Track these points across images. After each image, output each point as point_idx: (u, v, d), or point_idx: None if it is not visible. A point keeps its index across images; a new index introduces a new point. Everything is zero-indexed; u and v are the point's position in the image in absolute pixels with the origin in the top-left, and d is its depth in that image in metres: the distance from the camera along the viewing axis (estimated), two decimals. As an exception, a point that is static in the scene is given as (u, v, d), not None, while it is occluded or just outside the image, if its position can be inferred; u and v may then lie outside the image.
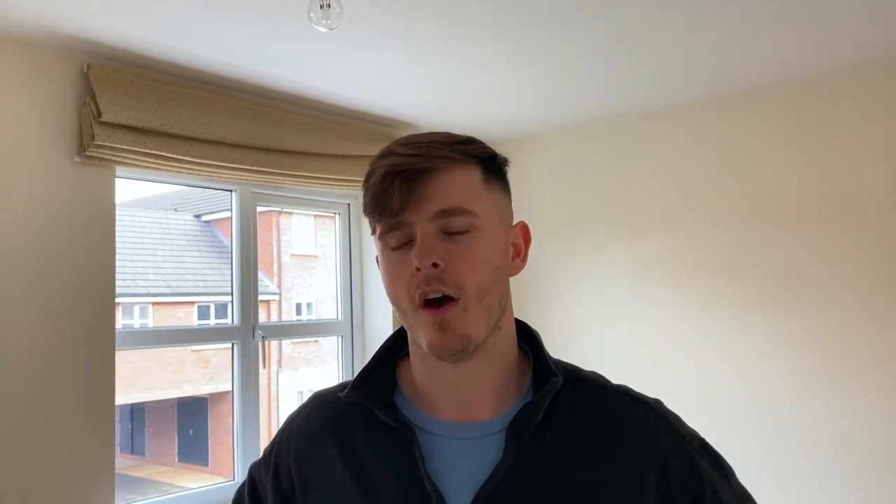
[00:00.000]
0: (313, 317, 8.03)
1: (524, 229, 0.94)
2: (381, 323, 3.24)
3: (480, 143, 0.90)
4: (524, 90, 2.80)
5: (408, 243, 0.84)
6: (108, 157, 2.25)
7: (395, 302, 0.87)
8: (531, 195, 3.35)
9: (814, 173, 2.73)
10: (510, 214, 0.93)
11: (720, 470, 0.92)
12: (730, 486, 0.92)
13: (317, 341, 7.66)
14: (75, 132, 2.23)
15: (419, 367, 0.92)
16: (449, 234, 0.84)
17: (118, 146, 2.24)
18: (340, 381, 3.18)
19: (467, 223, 0.84)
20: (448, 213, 0.83)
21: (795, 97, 2.77)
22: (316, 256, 8.06)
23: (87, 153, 2.21)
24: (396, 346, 0.98)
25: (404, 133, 3.23)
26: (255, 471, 1.05)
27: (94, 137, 2.19)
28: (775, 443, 2.74)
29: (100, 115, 2.20)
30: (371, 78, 2.59)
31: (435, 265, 0.82)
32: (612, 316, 3.19)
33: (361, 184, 0.90)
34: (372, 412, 0.91)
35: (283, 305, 7.81)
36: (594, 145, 3.32)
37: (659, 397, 0.95)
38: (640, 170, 3.17)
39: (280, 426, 1.03)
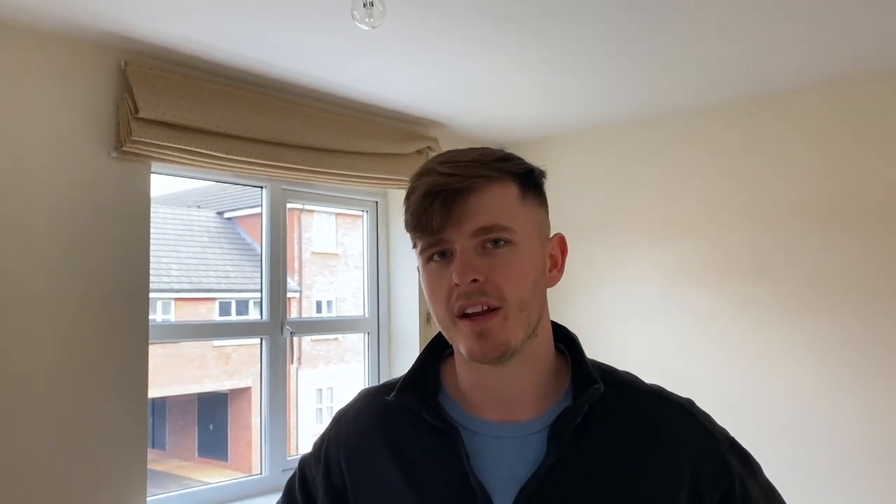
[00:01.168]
0: (333, 314, 8.05)
1: (561, 241, 0.97)
2: (407, 320, 3.25)
3: (518, 158, 0.94)
4: (553, 90, 2.80)
5: (448, 258, 0.88)
6: (144, 152, 2.28)
7: (434, 313, 0.91)
8: (557, 195, 3.32)
9: (848, 175, 2.71)
10: (547, 227, 0.97)
11: (748, 467, 0.95)
12: (757, 482, 0.95)
13: (336, 339, 7.68)
14: (112, 128, 2.26)
15: (462, 369, 0.96)
16: (487, 249, 0.87)
17: (154, 142, 2.27)
18: (367, 378, 3.22)
19: (505, 239, 0.88)
20: (486, 230, 0.87)
21: (830, 98, 2.76)
22: (337, 255, 8.08)
23: (124, 148, 2.24)
24: (439, 347, 1.02)
25: (433, 132, 3.26)
26: (305, 465, 1.09)
27: (131, 133, 2.22)
28: (806, 446, 2.72)
29: (137, 111, 2.23)
30: (402, 77, 2.61)
31: (474, 280, 0.85)
32: (639, 317, 3.19)
33: (403, 201, 0.93)
34: (418, 413, 0.95)
35: (304, 303, 7.83)
36: (623, 145, 3.31)
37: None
38: (668, 170, 3.16)
39: (330, 422, 1.07)
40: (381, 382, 1.07)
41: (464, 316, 0.87)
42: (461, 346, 0.89)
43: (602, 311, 3.25)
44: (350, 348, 7.63)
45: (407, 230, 0.92)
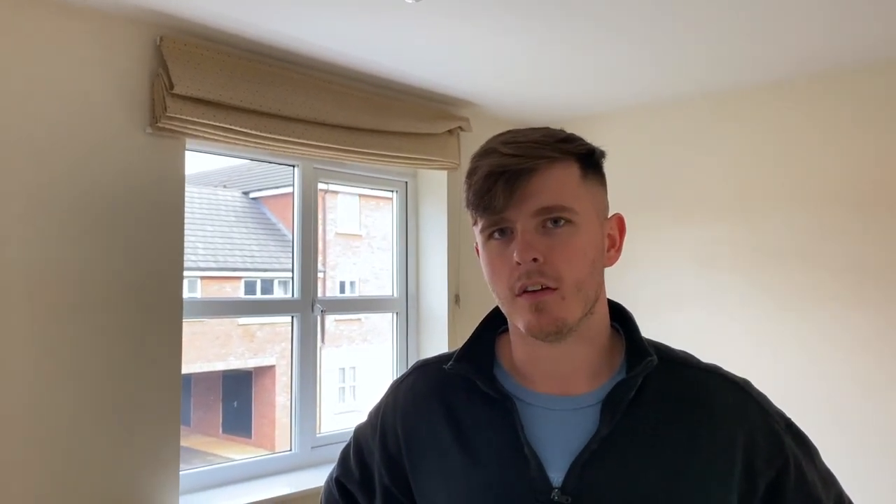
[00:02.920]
0: (356, 295, 8.10)
1: (620, 221, 0.98)
2: (436, 301, 3.24)
3: (580, 139, 0.94)
4: (589, 70, 2.77)
5: (508, 237, 0.90)
6: (178, 129, 2.28)
7: (494, 290, 0.93)
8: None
9: (884, 160, 2.65)
10: (606, 207, 0.98)
11: (805, 448, 0.95)
12: (814, 465, 0.95)
13: (360, 319, 7.72)
14: (147, 104, 2.26)
15: (518, 343, 0.97)
16: (547, 229, 0.88)
17: (189, 118, 2.27)
18: (395, 357, 3.23)
19: (565, 219, 0.89)
20: (548, 210, 0.88)
21: (873, 81, 2.70)
22: (360, 236, 8.11)
23: (159, 125, 2.24)
24: (495, 322, 1.04)
25: (465, 112, 3.24)
26: (360, 433, 1.12)
27: (166, 109, 2.22)
28: (846, 435, 2.69)
29: (172, 87, 2.23)
30: (435, 55, 2.58)
31: (535, 260, 0.87)
32: (675, 302, 3.16)
33: (465, 179, 0.94)
34: (473, 383, 0.97)
35: (328, 283, 7.88)
36: (658, 127, 3.27)
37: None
38: (707, 152, 3.11)
39: (385, 392, 1.10)
40: (436, 355, 1.09)
41: (523, 293, 0.88)
42: (519, 321, 0.90)
43: (635, 293, 3.21)
44: (372, 329, 7.68)
45: (467, 208, 0.93)
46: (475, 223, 0.94)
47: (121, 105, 2.22)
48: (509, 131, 0.95)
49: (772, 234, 2.91)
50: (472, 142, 3.30)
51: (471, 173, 0.92)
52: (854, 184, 2.72)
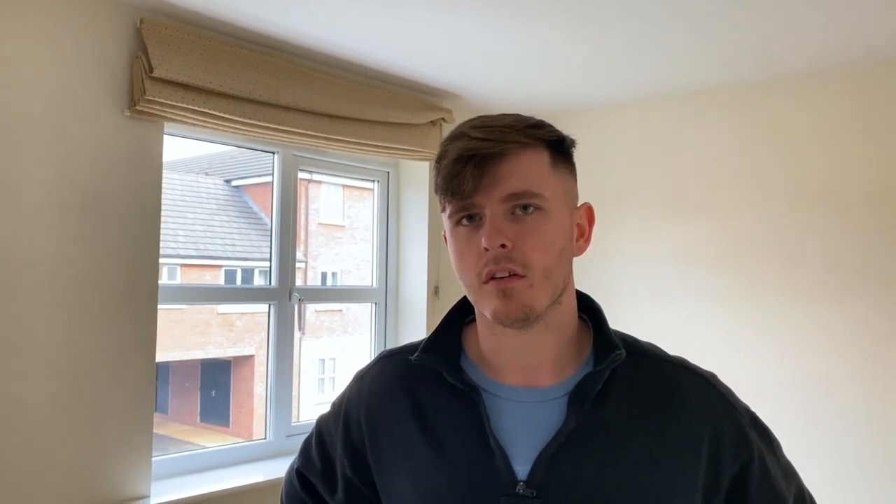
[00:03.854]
0: (337, 286, 8.06)
1: (589, 210, 0.97)
2: (415, 292, 3.24)
3: (550, 126, 0.94)
4: (574, 65, 2.77)
5: (477, 223, 0.89)
6: (157, 112, 2.26)
7: (461, 277, 0.92)
8: (570, 172, 3.32)
9: (868, 160, 2.68)
10: (576, 196, 0.97)
11: (768, 442, 0.96)
12: (777, 459, 0.96)
13: (340, 310, 7.69)
14: (126, 87, 2.24)
15: (485, 333, 0.96)
16: (517, 215, 0.87)
17: (168, 102, 2.25)
18: (372, 347, 3.22)
19: (534, 205, 0.88)
20: (517, 196, 0.87)
21: (853, 82, 2.72)
22: (343, 227, 8.07)
23: (138, 108, 2.22)
24: (462, 313, 1.03)
25: (448, 103, 3.23)
26: (322, 424, 1.11)
27: (144, 92, 2.20)
28: (818, 432, 2.72)
29: (151, 70, 2.21)
30: (419, 46, 2.57)
31: (503, 246, 0.86)
32: (649, 296, 3.18)
33: (434, 163, 0.93)
34: (440, 374, 0.96)
35: (309, 273, 7.84)
36: (639, 123, 3.28)
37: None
38: (686, 150, 3.13)
39: (348, 383, 1.09)
40: (401, 345, 1.08)
41: (490, 280, 0.87)
42: (486, 308, 0.89)
43: (612, 288, 3.23)
44: (353, 320, 7.65)
45: (437, 193, 0.92)
46: (443, 209, 0.93)
47: (99, 87, 2.19)
48: (479, 117, 0.93)
49: (751, 232, 2.93)
50: (455, 133, 3.29)
51: (440, 157, 0.91)
52: (833, 183, 2.75)
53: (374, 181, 3.32)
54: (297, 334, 2.93)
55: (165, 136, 2.38)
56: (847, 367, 2.67)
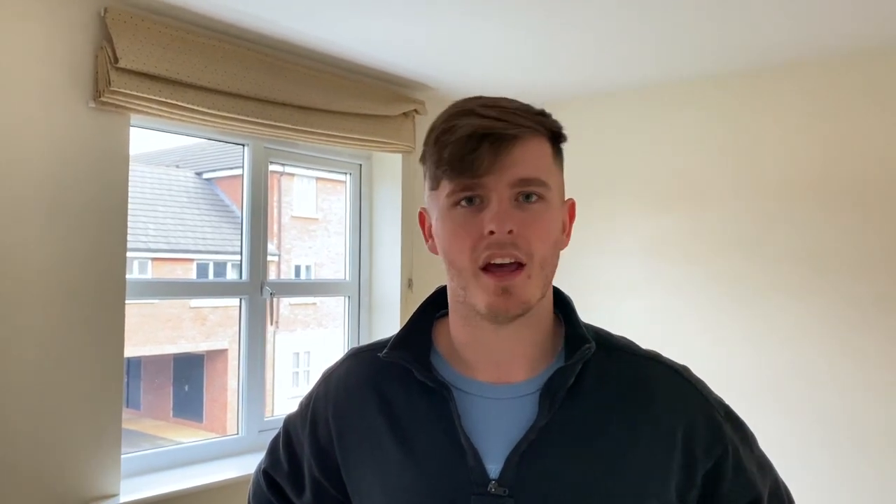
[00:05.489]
0: (311, 279, 8.02)
1: (572, 207, 0.96)
2: (388, 285, 3.22)
3: (551, 116, 0.92)
4: (545, 57, 2.76)
5: (477, 205, 0.85)
6: (123, 103, 2.22)
7: (452, 261, 0.87)
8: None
9: (839, 152, 2.71)
10: (564, 190, 0.96)
11: (743, 436, 0.95)
12: (751, 452, 0.95)
13: (314, 304, 7.66)
14: (90, 77, 2.19)
15: (459, 327, 0.93)
16: (520, 202, 0.85)
17: (134, 93, 2.21)
18: (346, 341, 3.20)
19: (539, 194, 0.86)
20: (526, 181, 0.85)
21: (821, 74, 2.75)
22: (317, 220, 8.02)
23: (103, 99, 2.17)
24: (433, 307, 1.00)
25: (421, 95, 3.20)
26: (290, 424, 1.08)
27: (109, 83, 2.16)
28: (791, 422, 2.75)
29: (116, 60, 2.17)
30: (392, 37, 2.55)
31: (510, 231, 0.83)
32: (626, 291, 3.19)
33: (430, 136, 0.89)
34: (409, 371, 0.93)
35: (283, 267, 7.79)
36: (612, 115, 3.29)
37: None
38: (660, 141, 3.14)
39: (316, 381, 1.06)
40: (370, 342, 1.05)
41: (486, 269, 0.84)
42: (479, 300, 0.86)
43: (586, 281, 3.24)
44: (328, 313, 7.62)
45: (436, 169, 0.88)
46: (436, 187, 0.89)
47: (62, 78, 2.14)
48: (479, 97, 0.90)
49: (722, 224, 2.95)
50: (428, 126, 3.27)
51: (445, 132, 0.86)
52: (802, 175, 2.77)
53: (346, 174, 3.30)
54: (270, 328, 2.90)
55: (132, 129, 2.34)
56: (820, 357, 2.71)
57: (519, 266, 0.84)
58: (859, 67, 2.66)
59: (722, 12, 2.31)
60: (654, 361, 0.95)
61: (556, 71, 2.96)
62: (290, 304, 7.62)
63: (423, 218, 0.97)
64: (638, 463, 0.86)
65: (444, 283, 0.99)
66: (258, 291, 2.80)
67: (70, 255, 2.15)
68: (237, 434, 2.80)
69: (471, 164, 0.83)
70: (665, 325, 3.03)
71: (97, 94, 2.18)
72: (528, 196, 0.85)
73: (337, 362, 1.05)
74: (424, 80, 3.10)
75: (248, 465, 2.59)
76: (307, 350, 7.60)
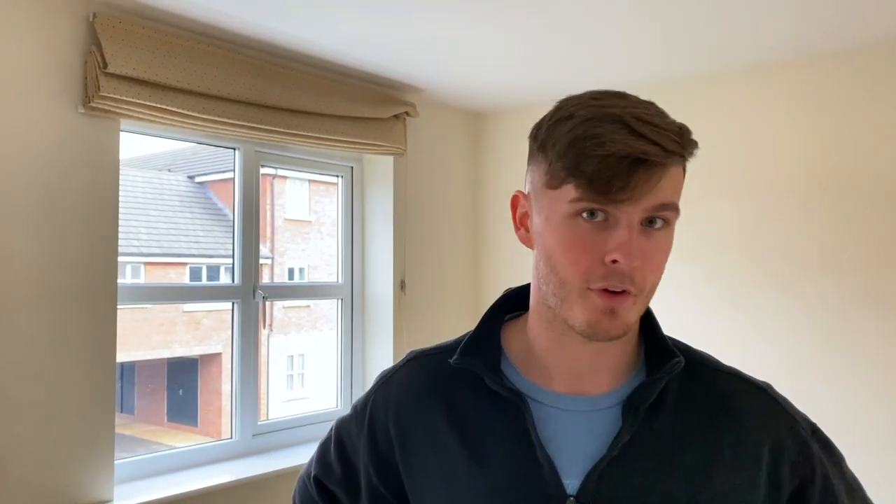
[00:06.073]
0: (305, 282, 8.01)
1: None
2: (381, 287, 3.23)
3: (691, 135, 0.84)
4: (537, 57, 2.77)
5: (601, 220, 0.79)
6: (112, 108, 2.22)
7: (557, 271, 0.81)
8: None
9: (828, 150, 2.72)
10: None
11: (831, 455, 0.91)
12: (841, 472, 0.91)
13: (308, 306, 7.65)
14: (80, 83, 2.19)
15: (542, 335, 0.89)
16: (645, 228, 0.79)
17: (124, 98, 2.20)
18: (339, 344, 3.20)
19: (668, 219, 0.80)
20: (662, 207, 0.79)
21: (806, 73, 2.76)
22: (310, 222, 8.02)
23: (92, 104, 2.17)
24: (501, 311, 0.97)
25: (412, 97, 3.21)
26: (342, 429, 1.04)
27: (99, 88, 2.15)
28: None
29: (105, 65, 2.16)
30: (382, 39, 2.55)
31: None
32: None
33: (561, 128, 0.80)
34: (478, 378, 0.89)
35: (276, 270, 7.78)
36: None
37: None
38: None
39: (373, 383, 1.02)
40: (432, 345, 1.00)
41: (598, 290, 0.79)
42: (580, 317, 0.80)
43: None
44: (322, 316, 7.61)
45: (568, 174, 0.78)
46: (556, 187, 0.80)
47: (51, 83, 2.14)
48: (623, 96, 0.82)
49: (710, 223, 2.96)
50: (419, 127, 3.28)
51: (589, 138, 0.77)
52: (796, 174, 2.78)
53: (337, 176, 3.30)
54: (264, 331, 2.89)
55: (123, 133, 2.34)
56: (804, 353, 2.72)
57: (628, 293, 0.79)
58: (843, 66, 2.67)
59: (701, 13, 2.32)
60: (736, 377, 0.92)
61: (550, 71, 2.97)
62: (284, 307, 7.60)
63: (517, 202, 0.90)
64: (723, 481, 0.83)
65: (511, 287, 0.98)
66: (251, 295, 2.80)
67: (61, 261, 2.15)
68: (231, 438, 2.79)
69: (618, 190, 0.76)
70: (666, 323, 3.04)
71: (87, 100, 2.18)
72: (653, 221, 0.79)
73: (396, 365, 1.01)
74: (415, 83, 3.10)
75: (241, 470, 2.59)
76: (301, 353, 7.59)
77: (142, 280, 6.51)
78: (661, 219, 0.79)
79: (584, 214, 0.78)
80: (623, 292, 0.79)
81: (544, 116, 0.86)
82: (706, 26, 2.44)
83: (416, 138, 3.28)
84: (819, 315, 2.71)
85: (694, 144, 0.83)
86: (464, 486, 0.86)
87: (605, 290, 0.79)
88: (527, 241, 0.88)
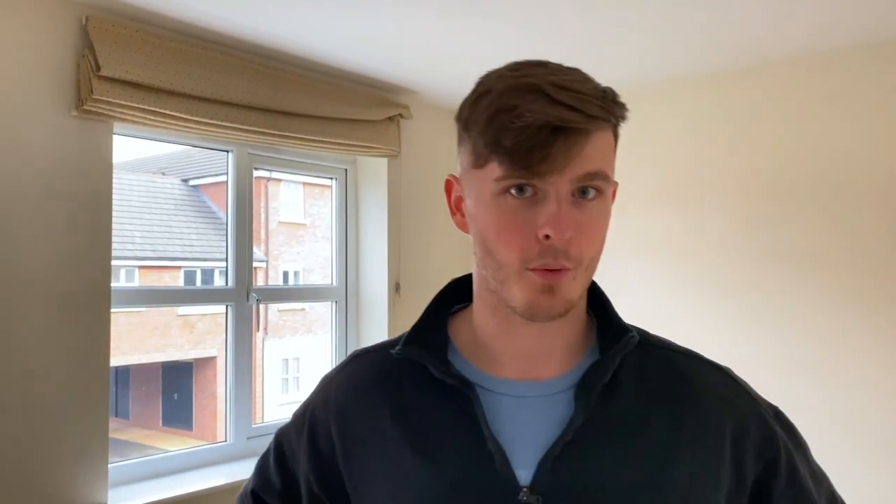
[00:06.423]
0: (299, 284, 8.00)
1: (614, 192, 0.83)
2: (376, 289, 3.23)
3: (619, 98, 0.80)
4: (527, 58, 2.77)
5: (530, 197, 0.75)
6: (105, 112, 2.21)
7: (493, 253, 0.78)
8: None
9: (818, 152, 2.73)
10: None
11: (795, 440, 0.88)
12: (805, 459, 0.88)
13: (303, 309, 7.65)
14: (73, 86, 2.19)
15: (487, 321, 0.84)
16: (577, 199, 0.75)
17: (117, 101, 2.20)
18: (334, 346, 3.20)
19: (600, 189, 0.76)
20: (591, 176, 0.75)
21: (797, 74, 2.77)
22: (304, 225, 8.01)
23: (85, 107, 2.17)
24: (446, 302, 0.92)
25: (405, 99, 3.21)
26: (282, 438, 0.99)
27: (92, 91, 2.15)
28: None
29: (98, 68, 2.16)
30: (376, 43, 2.56)
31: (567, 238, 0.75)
32: (615, 290, 3.19)
33: (480, 102, 0.77)
34: (424, 368, 0.84)
35: (270, 273, 7.77)
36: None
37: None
38: (644, 142, 3.16)
39: (314, 389, 0.98)
40: (375, 343, 0.96)
41: (533, 268, 0.76)
42: (519, 298, 0.77)
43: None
44: (317, 319, 7.61)
45: (490, 151, 0.75)
46: (481, 166, 0.77)
47: (44, 87, 2.13)
48: (544, 63, 0.79)
49: (707, 224, 2.98)
50: (413, 130, 3.28)
51: (507, 110, 0.74)
52: (784, 175, 2.79)
53: (331, 178, 3.30)
54: (259, 335, 2.89)
55: (116, 137, 2.33)
56: (796, 353, 2.73)
57: (566, 269, 0.76)
58: (830, 68, 2.69)
59: (700, 13, 2.33)
60: (695, 358, 0.89)
61: (540, 74, 2.98)
62: (279, 311, 7.60)
63: (450, 186, 0.86)
64: (683, 465, 0.78)
65: (454, 277, 0.93)
66: (244, 298, 2.79)
67: (54, 264, 2.14)
68: (225, 441, 2.79)
69: (538, 162, 0.72)
70: (654, 325, 3.04)
71: (80, 103, 2.17)
72: (585, 191, 0.75)
73: (337, 366, 0.96)
74: (409, 85, 3.11)
75: (236, 473, 2.59)
76: (296, 356, 7.58)
77: (136, 283, 6.50)
78: (592, 188, 0.75)
79: (513, 191, 0.75)
80: (561, 269, 0.75)
81: (467, 95, 0.83)
82: (698, 28, 2.45)
83: (409, 140, 3.28)
84: (811, 316, 2.72)
85: (621, 108, 0.79)
86: (411, 485, 0.81)
87: (543, 269, 0.75)
88: (463, 225, 0.85)
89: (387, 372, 0.88)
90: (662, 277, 3.08)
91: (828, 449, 2.65)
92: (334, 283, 3.26)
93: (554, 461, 0.77)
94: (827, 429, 2.66)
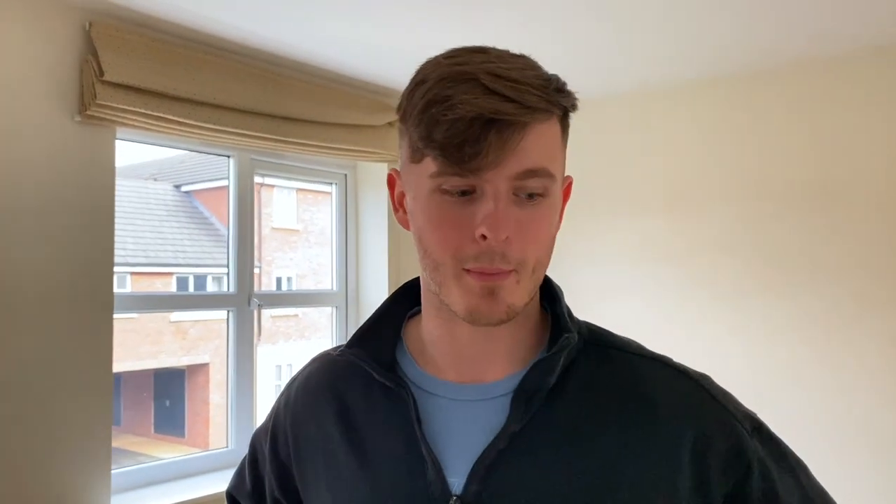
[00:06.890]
0: (295, 289, 7.98)
1: (569, 187, 0.81)
2: (376, 295, 3.22)
3: (568, 87, 0.75)
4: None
5: (469, 195, 0.70)
6: (108, 117, 2.21)
7: (431, 253, 0.73)
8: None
9: (816, 156, 2.76)
10: (565, 169, 0.80)
11: (779, 458, 0.79)
12: (795, 481, 0.79)
13: (297, 315, 7.62)
14: (76, 91, 2.18)
15: (431, 322, 0.81)
16: (519, 198, 0.71)
17: (120, 106, 2.19)
18: (333, 352, 3.19)
19: (543, 187, 0.71)
20: (531, 173, 0.70)
21: (798, 80, 2.79)
22: (298, 231, 8.00)
23: (89, 112, 2.16)
24: (403, 304, 0.88)
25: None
26: (255, 439, 0.99)
27: (95, 97, 2.14)
28: (773, 421, 2.78)
29: (102, 73, 2.15)
30: (376, 46, 2.56)
31: (505, 238, 0.70)
32: (610, 294, 3.21)
33: (415, 93, 0.73)
34: (370, 372, 0.82)
35: (263, 279, 7.75)
36: (591, 121, 3.32)
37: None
38: (640, 148, 3.18)
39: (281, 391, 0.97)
40: (337, 344, 0.97)
41: (470, 270, 0.72)
42: (459, 302, 0.73)
43: (571, 284, 3.26)
44: (310, 324, 7.59)
45: (423, 145, 0.71)
46: (417, 161, 0.72)
47: (48, 92, 2.13)
48: (482, 50, 0.74)
49: (702, 228, 2.99)
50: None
51: (439, 101, 0.69)
52: (777, 180, 2.82)
53: (331, 184, 3.30)
54: (256, 339, 2.89)
55: (117, 142, 2.33)
56: (795, 357, 2.75)
57: (505, 272, 0.71)
58: (830, 74, 2.72)
59: (695, 19, 2.35)
60: (661, 363, 0.82)
61: (539, 79, 2.99)
62: (272, 317, 7.56)
63: (392, 182, 0.81)
64: (631, 476, 0.73)
65: (411, 278, 0.89)
66: (246, 303, 2.79)
67: (56, 270, 2.13)
68: (226, 447, 2.78)
69: (471, 156, 0.67)
70: (648, 328, 3.06)
71: (83, 108, 2.17)
72: (529, 192, 0.71)
73: (300, 369, 0.94)
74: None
75: (239, 479, 2.58)
76: (290, 363, 7.56)
77: (128, 289, 6.46)
78: (535, 190, 0.71)
79: (447, 187, 0.70)
80: (499, 272, 0.71)
81: (407, 84, 0.78)
82: (701, 34, 2.47)
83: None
84: (806, 321, 2.74)
85: (566, 97, 0.73)
86: (346, 488, 0.78)
87: (480, 272, 0.71)
88: (405, 222, 0.80)
89: (337, 374, 0.86)
90: (659, 282, 3.09)
91: (820, 455, 2.67)
92: (335, 288, 3.26)
93: (487, 469, 0.73)
94: (822, 435, 2.68)
